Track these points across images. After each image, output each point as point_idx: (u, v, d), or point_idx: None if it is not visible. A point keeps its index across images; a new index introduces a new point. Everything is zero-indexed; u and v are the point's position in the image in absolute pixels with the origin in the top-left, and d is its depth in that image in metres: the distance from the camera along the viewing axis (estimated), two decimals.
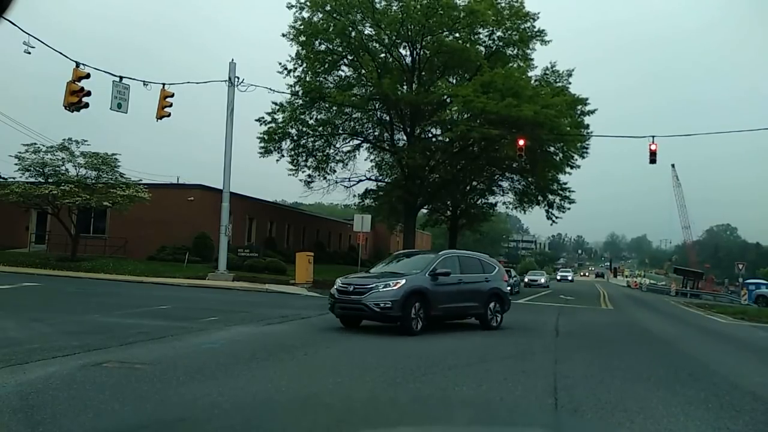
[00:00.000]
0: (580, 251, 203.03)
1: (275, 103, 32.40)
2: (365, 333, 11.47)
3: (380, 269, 13.03)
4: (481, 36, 33.04)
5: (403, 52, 33.51)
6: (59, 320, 11.04)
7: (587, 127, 35.39)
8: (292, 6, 31.42)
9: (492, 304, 13.26)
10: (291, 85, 32.58)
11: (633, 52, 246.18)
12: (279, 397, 6.15)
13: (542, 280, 49.37)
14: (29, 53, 16.45)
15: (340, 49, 32.58)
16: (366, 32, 32.08)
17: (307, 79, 32.63)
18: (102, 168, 27.21)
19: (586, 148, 36.21)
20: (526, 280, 46.51)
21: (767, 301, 37.16)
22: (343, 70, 34.43)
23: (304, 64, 32.37)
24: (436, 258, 12.59)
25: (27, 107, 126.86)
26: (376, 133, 36.68)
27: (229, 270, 24.41)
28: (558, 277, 77.70)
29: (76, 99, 17.36)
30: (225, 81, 24.11)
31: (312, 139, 34.47)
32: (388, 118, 34.63)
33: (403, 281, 11.40)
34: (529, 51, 34.14)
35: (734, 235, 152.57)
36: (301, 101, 32.79)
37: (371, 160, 39.24)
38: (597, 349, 11.14)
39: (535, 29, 32.70)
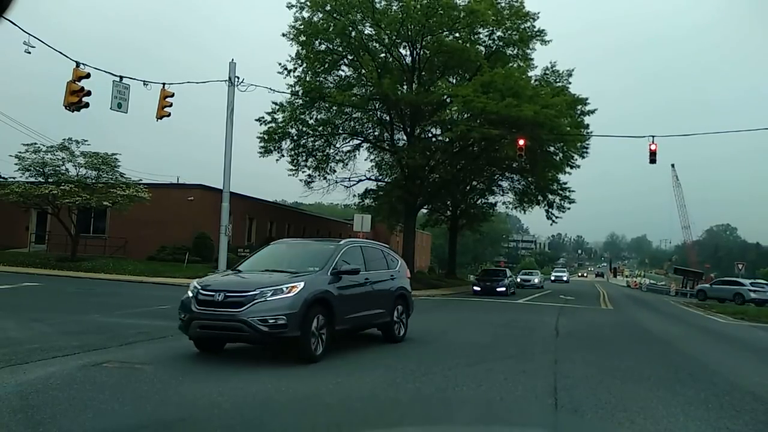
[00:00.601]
0: (580, 251, 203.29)
1: (275, 103, 32.43)
2: (365, 332, 11.41)
3: (256, 266, 9.29)
4: (481, 36, 33.03)
5: (403, 52, 33.50)
6: (59, 320, 11.05)
7: (587, 127, 35.44)
8: (292, 6, 31.43)
9: (398, 309, 10.55)
10: (291, 85, 32.60)
11: (633, 52, 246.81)
12: (279, 397, 6.15)
13: (536, 281, 47.20)
14: (29, 53, 16.42)
15: (340, 49, 32.56)
16: (366, 32, 32.05)
17: (307, 79, 32.60)
18: (102, 168, 27.24)
19: (586, 148, 36.30)
20: (518, 280, 43.63)
21: (705, 295, 37.55)
22: (343, 70, 34.43)
23: (304, 64, 32.35)
24: (336, 250, 9.31)
25: (27, 107, 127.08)
26: (376, 133, 36.67)
27: None
28: (552, 278, 70.93)
29: (76, 99, 17.34)
30: (225, 81, 24.08)
31: (312, 139, 34.46)
32: (388, 118, 34.61)
33: (301, 284, 8.02)
34: (529, 51, 34.14)
35: (734, 235, 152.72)
36: (301, 101, 32.76)
37: (371, 160, 39.32)
38: (597, 349, 11.12)
39: (535, 29, 32.70)
